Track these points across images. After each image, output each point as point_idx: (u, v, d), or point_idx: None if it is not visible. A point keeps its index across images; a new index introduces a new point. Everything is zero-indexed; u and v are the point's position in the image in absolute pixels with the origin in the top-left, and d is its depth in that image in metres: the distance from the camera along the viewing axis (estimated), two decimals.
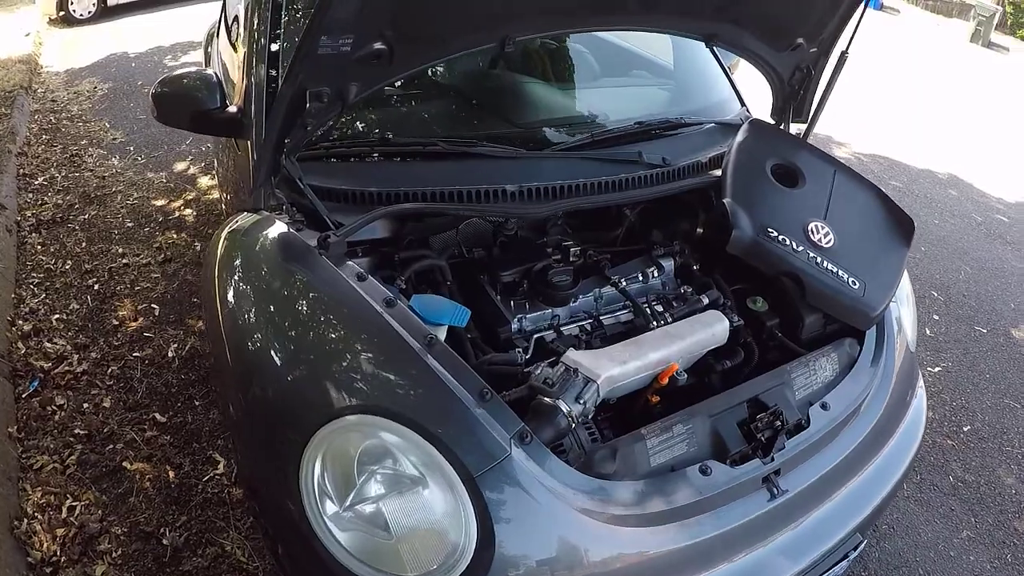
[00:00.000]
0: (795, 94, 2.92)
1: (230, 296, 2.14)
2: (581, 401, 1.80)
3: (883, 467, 2.29)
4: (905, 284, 2.79)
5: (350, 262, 2.04)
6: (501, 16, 2.13)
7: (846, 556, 2.11)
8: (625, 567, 1.74)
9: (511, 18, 2.15)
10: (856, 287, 2.33)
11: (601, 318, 2.34)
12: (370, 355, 1.83)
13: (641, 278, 2.47)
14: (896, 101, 10.08)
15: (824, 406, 2.16)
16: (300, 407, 1.78)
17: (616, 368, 1.91)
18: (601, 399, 1.89)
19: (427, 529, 1.64)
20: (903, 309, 2.67)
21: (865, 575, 2.95)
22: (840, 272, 2.34)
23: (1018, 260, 5.97)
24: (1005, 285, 5.51)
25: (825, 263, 2.34)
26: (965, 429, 3.88)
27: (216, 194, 5.05)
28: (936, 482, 3.49)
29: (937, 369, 4.36)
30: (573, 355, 1.92)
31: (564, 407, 1.77)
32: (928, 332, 4.72)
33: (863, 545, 2.20)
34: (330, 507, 1.68)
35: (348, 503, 1.66)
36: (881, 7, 19.06)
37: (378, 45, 1.92)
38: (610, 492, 1.75)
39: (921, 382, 2.69)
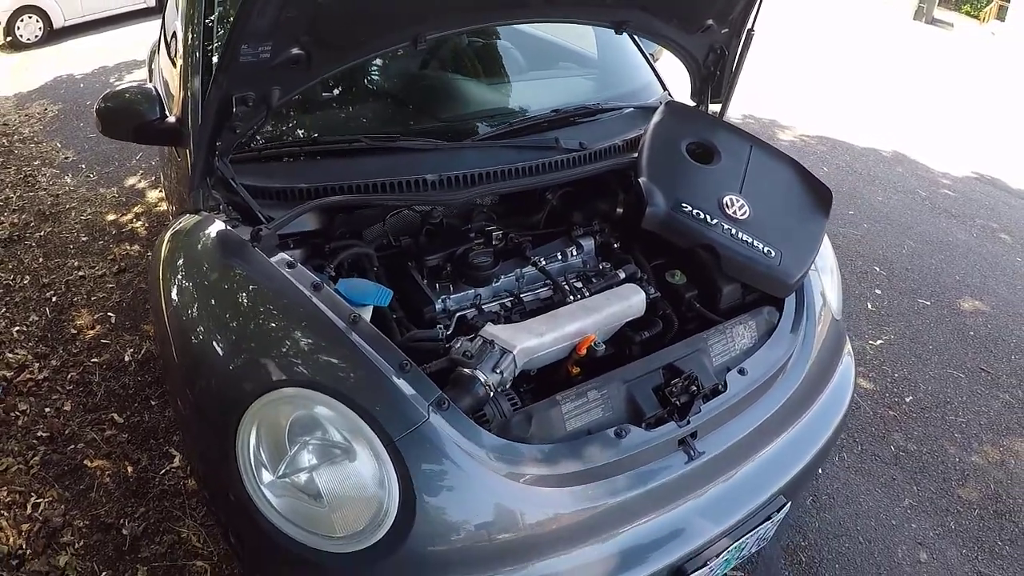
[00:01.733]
0: (712, 75, 2.99)
1: (174, 295, 2.22)
2: (498, 371, 1.91)
3: (806, 431, 2.37)
4: (829, 254, 2.86)
5: (281, 253, 2.14)
6: (412, 17, 2.22)
7: (769, 517, 2.18)
8: (542, 525, 1.84)
9: (421, 18, 2.24)
10: (772, 256, 2.41)
11: (522, 296, 2.43)
12: (300, 336, 1.93)
13: (561, 257, 2.57)
14: (840, 81, 10.19)
15: (742, 371, 2.23)
16: (237, 388, 1.87)
17: (533, 340, 2.02)
18: (519, 369, 2.00)
19: (355, 495, 1.74)
20: (825, 278, 2.72)
21: (804, 544, 3.00)
22: (755, 242, 2.42)
23: (963, 232, 6.05)
24: (950, 258, 5.58)
25: (740, 234, 2.42)
26: (907, 400, 3.94)
27: (164, 206, 5.10)
28: (877, 452, 3.53)
29: (879, 342, 4.43)
30: (491, 328, 2.03)
31: (482, 376, 1.88)
32: (870, 306, 4.80)
33: (787, 507, 2.25)
34: (266, 476, 1.78)
35: (281, 471, 1.75)
36: None
37: (296, 51, 2.02)
38: (524, 453, 1.85)
39: (849, 349, 2.76)
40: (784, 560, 2.93)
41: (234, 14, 1.86)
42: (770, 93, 8.91)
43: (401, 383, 1.81)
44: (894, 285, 5.11)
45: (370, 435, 1.73)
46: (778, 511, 2.20)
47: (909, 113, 9.16)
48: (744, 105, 8.27)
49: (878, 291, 5.01)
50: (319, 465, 1.76)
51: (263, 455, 1.79)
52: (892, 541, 3.09)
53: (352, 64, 2.28)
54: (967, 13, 17.84)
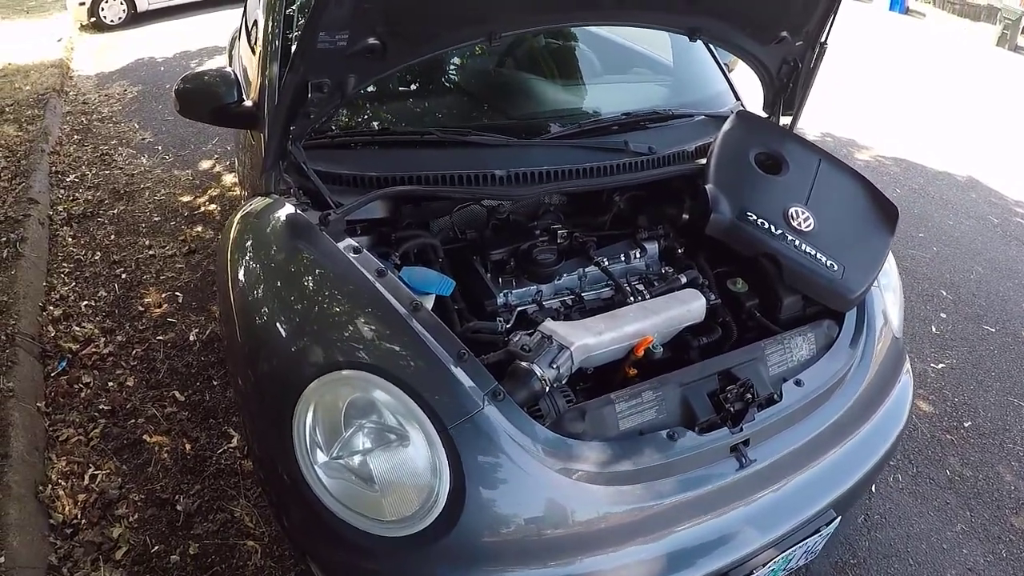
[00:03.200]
0: (784, 87, 2.96)
1: (241, 275, 2.28)
2: (555, 366, 1.92)
3: (860, 447, 2.33)
4: (892, 272, 2.82)
5: (348, 238, 2.18)
6: (487, 13, 2.26)
7: (818, 531, 2.16)
8: (589, 522, 1.84)
9: (496, 15, 2.27)
10: (835, 269, 2.38)
11: (583, 295, 2.45)
12: (362, 320, 1.97)
13: (624, 259, 2.58)
14: (920, 105, 9.99)
15: (798, 382, 2.21)
16: (297, 369, 1.91)
17: (591, 338, 2.03)
18: (576, 367, 2.00)
19: (406, 480, 1.77)
20: (888, 295, 2.69)
21: (854, 562, 2.96)
22: (818, 255, 2.40)
23: None
24: (1019, 285, 5.43)
25: (803, 246, 2.40)
26: (966, 425, 3.86)
27: (238, 191, 5.21)
28: (932, 475, 3.47)
29: (941, 366, 4.34)
30: (550, 324, 2.04)
31: (538, 371, 1.89)
32: (934, 330, 4.71)
33: (837, 522, 2.22)
34: (320, 456, 1.81)
35: (335, 452, 1.79)
36: (906, 11, 18.88)
37: (372, 41, 2.06)
38: (576, 449, 1.85)
39: (908, 368, 2.71)
40: None
41: (314, 2, 1.90)
42: (850, 114, 8.79)
43: (458, 372, 1.83)
44: (960, 310, 5.00)
45: (424, 421, 1.76)
46: (827, 525, 2.18)
47: (986, 139, 8.93)
48: (824, 123, 8.17)
49: (943, 315, 4.91)
50: (373, 449, 1.80)
51: (318, 435, 1.82)
52: (942, 565, 3.03)
53: (426, 57, 2.32)
54: None
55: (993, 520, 3.29)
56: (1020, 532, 3.25)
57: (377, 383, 1.81)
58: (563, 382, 1.99)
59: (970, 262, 5.69)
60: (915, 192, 6.90)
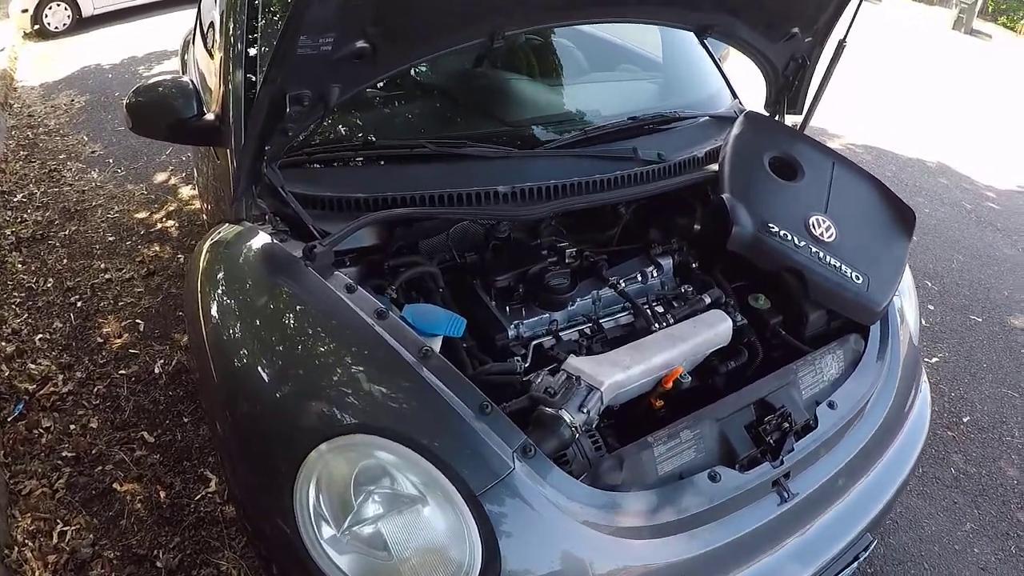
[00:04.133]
0: (789, 85, 2.88)
1: (214, 311, 2.07)
2: (585, 410, 1.74)
3: (892, 463, 2.27)
4: (906, 276, 2.73)
5: (338, 272, 1.97)
6: (490, 10, 2.07)
7: (857, 558, 2.09)
8: None
9: (500, 12, 2.09)
10: (860, 282, 2.28)
11: (601, 321, 2.29)
12: (362, 370, 1.76)
13: (640, 278, 2.43)
14: (881, 90, 10.11)
15: (831, 405, 2.11)
16: (291, 427, 1.71)
17: (620, 374, 1.86)
18: (605, 406, 1.84)
19: (429, 548, 1.58)
20: (905, 301, 2.62)
21: (871, 571, 2.92)
22: (843, 267, 2.28)
23: (1009, 247, 5.96)
24: (998, 273, 5.49)
25: (828, 258, 2.29)
26: (965, 420, 3.87)
27: (198, 204, 5.01)
28: (938, 475, 3.47)
29: (935, 360, 4.34)
30: (575, 362, 1.87)
31: (567, 417, 1.71)
32: (924, 323, 4.68)
33: (873, 545, 2.17)
34: (327, 531, 1.62)
35: (346, 526, 1.59)
36: None
37: (361, 44, 1.84)
38: (618, 504, 1.70)
39: (924, 375, 2.65)
40: None
41: (288, 2, 1.67)
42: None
43: (481, 427, 1.64)
44: (946, 301, 5.02)
45: (448, 488, 1.57)
46: (865, 550, 2.13)
47: (951, 123, 9.10)
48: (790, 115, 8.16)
49: (931, 307, 4.92)
50: (386, 514, 1.60)
51: (324, 509, 1.63)
52: (956, 567, 3.02)
53: (422, 60, 2.14)
54: (1004, 25, 17.71)
55: (1000, 516, 3.30)
56: None
57: (388, 447, 1.62)
58: (593, 426, 1.82)
59: (950, 251, 5.74)
60: (889, 180, 6.87)
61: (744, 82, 3.22)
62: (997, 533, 3.20)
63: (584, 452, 1.79)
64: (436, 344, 1.85)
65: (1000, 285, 5.31)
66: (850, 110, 8.79)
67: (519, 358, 2.06)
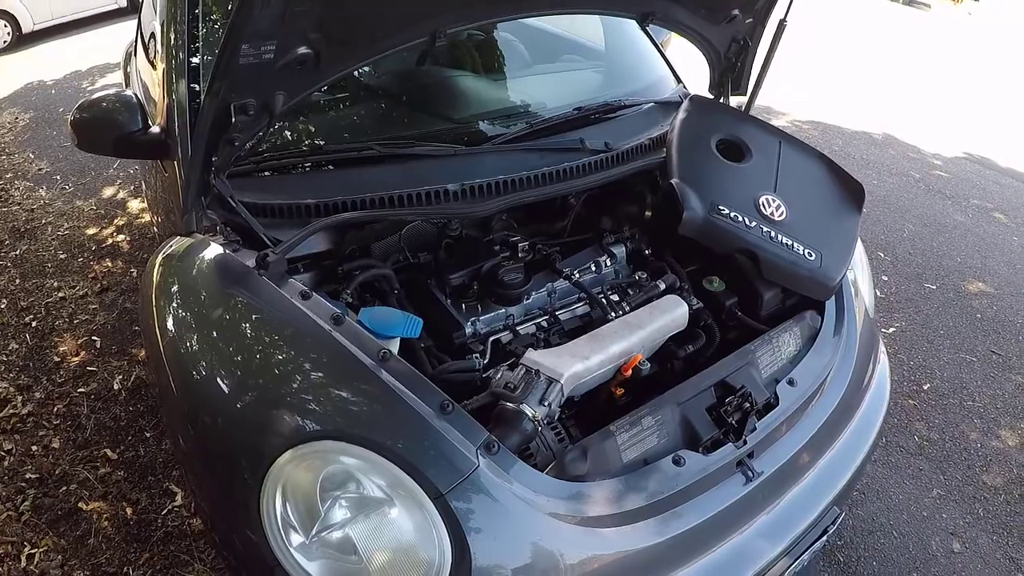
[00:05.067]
0: (732, 67, 2.90)
1: (170, 324, 2.03)
2: (546, 403, 1.75)
3: (854, 436, 2.30)
4: (859, 249, 2.75)
5: (292, 280, 1.96)
6: (430, 10, 2.07)
7: (825, 531, 2.10)
8: (605, 568, 1.71)
9: (441, 11, 2.09)
10: (812, 258, 2.30)
11: (557, 313, 2.29)
12: (322, 376, 1.76)
13: (594, 268, 2.43)
14: (824, 65, 10.24)
15: (791, 382, 2.13)
16: (253, 437, 1.69)
17: (579, 365, 1.87)
18: (566, 398, 1.85)
19: (398, 549, 1.58)
20: (859, 275, 2.65)
21: (840, 543, 2.96)
22: (795, 244, 2.31)
23: (959, 213, 6.06)
24: (949, 240, 5.58)
25: (779, 236, 2.30)
26: (925, 387, 3.93)
27: (148, 217, 4.94)
28: (902, 443, 3.52)
29: (892, 330, 4.40)
30: (533, 355, 1.87)
31: (529, 411, 1.72)
32: (879, 293, 4.75)
33: (841, 518, 2.18)
34: (296, 538, 1.61)
35: (314, 533, 1.59)
36: None
37: (303, 50, 1.82)
38: (584, 494, 1.71)
39: (882, 346, 2.69)
40: (823, 561, 2.91)
41: (228, 10, 1.65)
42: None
43: (443, 426, 1.64)
44: (899, 270, 5.10)
45: (413, 488, 1.57)
46: (833, 523, 2.13)
47: (894, 94, 9.22)
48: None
49: (885, 277, 4.99)
50: (353, 519, 1.60)
51: (292, 517, 1.62)
52: (925, 533, 3.08)
53: (363, 64, 2.13)
54: None
55: (966, 480, 3.36)
56: (992, 489, 3.34)
57: (352, 451, 1.61)
58: (554, 418, 1.84)
59: (900, 220, 5.82)
60: (836, 155, 6.98)
61: (687, 66, 3.24)
62: (964, 497, 3.25)
63: (548, 444, 1.80)
64: (394, 346, 1.85)
65: (952, 251, 5.40)
66: (794, 86, 8.89)
67: (477, 355, 2.06)
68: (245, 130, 1.93)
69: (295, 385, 1.75)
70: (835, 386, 2.28)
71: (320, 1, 1.75)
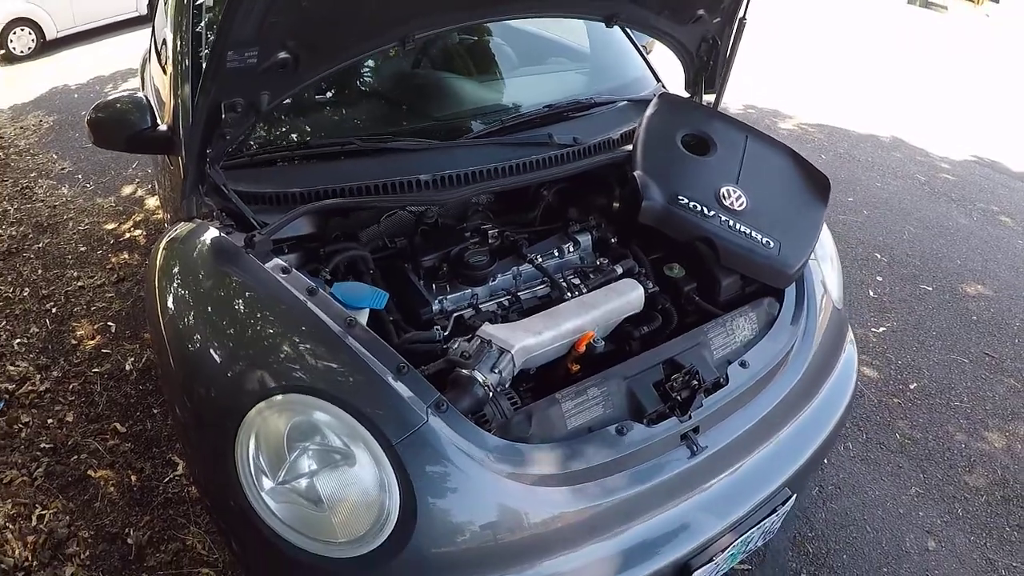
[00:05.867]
0: (705, 66, 2.97)
1: (170, 303, 2.21)
2: (497, 371, 1.90)
3: (810, 423, 2.36)
4: (828, 242, 2.84)
5: (276, 259, 2.13)
6: (398, 17, 2.21)
7: (774, 511, 2.17)
8: (545, 525, 1.83)
9: (407, 18, 2.22)
10: (771, 247, 2.39)
11: (520, 295, 2.42)
12: (296, 341, 1.92)
13: (558, 254, 2.56)
14: (838, 67, 10.14)
15: (743, 364, 2.22)
16: (235, 396, 1.86)
17: (531, 338, 2.01)
18: (518, 369, 1.99)
19: (356, 500, 1.74)
20: (825, 266, 2.71)
21: (812, 535, 2.99)
22: (753, 233, 2.40)
23: (963, 216, 6.00)
24: (951, 242, 5.53)
25: (738, 225, 2.41)
26: (911, 387, 3.92)
27: (161, 214, 5.13)
28: (883, 440, 3.52)
29: (882, 329, 4.40)
30: (488, 328, 2.02)
31: (480, 377, 1.87)
32: (871, 293, 4.77)
33: (793, 500, 2.23)
34: (266, 483, 1.77)
35: (281, 478, 1.75)
36: None
37: (282, 55, 2.00)
38: (525, 453, 1.83)
39: (851, 337, 2.74)
40: (792, 551, 2.92)
41: (219, 22, 1.84)
42: (770, 82, 8.90)
43: (399, 386, 1.80)
44: (895, 271, 5.07)
45: (369, 439, 1.73)
46: (783, 504, 2.19)
47: (907, 98, 9.10)
48: (745, 95, 8.25)
49: (879, 278, 4.98)
50: (319, 471, 1.75)
51: (263, 462, 1.78)
52: (900, 529, 3.07)
53: (341, 66, 2.26)
54: None
55: (946, 480, 3.35)
56: (974, 490, 3.31)
57: (317, 405, 1.77)
58: (506, 386, 1.97)
59: (901, 222, 5.79)
60: (841, 157, 6.99)
61: (672, 68, 3.30)
62: (943, 496, 3.25)
63: (503, 411, 1.92)
64: (363, 317, 2.02)
65: (952, 254, 5.35)
66: (803, 89, 8.85)
67: (439, 327, 2.22)
68: (235, 125, 2.11)
69: (274, 350, 1.92)
70: (790, 371, 2.35)
71: (294, 12, 1.92)
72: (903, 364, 4.11)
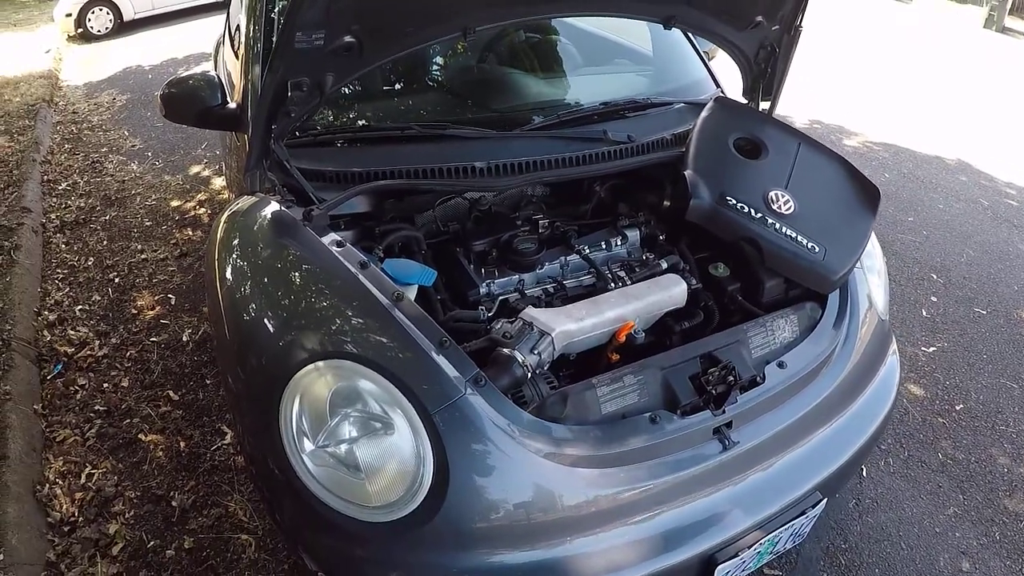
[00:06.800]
0: (763, 73, 2.97)
1: (228, 273, 2.30)
2: (536, 352, 1.95)
3: (846, 429, 2.36)
4: (877, 255, 2.84)
5: (332, 233, 2.22)
6: (460, 8, 2.28)
7: (803, 512, 2.17)
8: (573, 504, 1.87)
9: (470, 10, 2.29)
10: (816, 252, 2.40)
11: (565, 283, 2.47)
12: (346, 311, 2.00)
13: (605, 247, 2.61)
14: (909, 89, 9.96)
15: (781, 364, 2.23)
16: (284, 361, 1.94)
17: (571, 323, 2.06)
18: (558, 353, 2.03)
19: (392, 469, 1.80)
20: (872, 277, 2.70)
21: (845, 547, 2.97)
22: (799, 237, 2.41)
23: None
24: (1009, 268, 5.42)
25: (784, 229, 2.42)
26: (958, 408, 3.85)
27: (226, 194, 5.24)
28: (924, 459, 3.47)
29: (932, 349, 4.34)
30: (531, 311, 2.08)
31: (520, 357, 1.92)
32: (925, 313, 4.71)
33: (823, 504, 2.24)
34: (307, 444, 1.84)
35: (321, 441, 1.82)
36: None
37: (348, 39, 2.08)
38: (558, 433, 1.88)
39: (895, 348, 2.73)
40: (824, 561, 2.91)
41: (289, 3, 1.93)
42: (839, 100, 8.81)
43: (440, 359, 1.87)
44: (950, 293, 4.99)
45: (407, 408, 1.79)
46: (813, 507, 2.20)
47: (976, 122, 8.91)
48: (813, 110, 8.19)
49: (934, 298, 4.90)
50: (359, 437, 1.82)
51: (305, 424, 1.85)
52: (935, 549, 3.03)
53: (403, 53, 2.32)
54: None
55: (986, 503, 3.28)
56: (1013, 514, 3.24)
57: (361, 372, 1.84)
58: (545, 368, 2.02)
59: (961, 245, 5.68)
60: (904, 176, 6.89)
61: (733, 75, 3.28)
62: (981, 519, 3.19)
63: (541, 393, 1.97)
64: (412, 292, 2.09)
65: (1011, 279, 5.25)
66: (871, 107, 8.72)
67: (483, 308, 2.29)
68: (300, 104, 2.18)
69: (324, 318, 2.00)
70: (829, 376, 2.35)
71: None
72: (951, 385, 4.04)
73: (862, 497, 3.21)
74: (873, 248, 2.79)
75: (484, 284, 2.38)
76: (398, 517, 1.78)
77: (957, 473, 3.42)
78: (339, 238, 2.19)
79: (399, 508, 1.78)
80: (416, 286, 2.14)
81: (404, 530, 1.78)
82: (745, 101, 3.10)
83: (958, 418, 3.79)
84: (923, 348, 4.34)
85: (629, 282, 2.42)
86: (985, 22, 15.86)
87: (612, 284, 2.41)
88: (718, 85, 3.36)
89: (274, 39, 2.76)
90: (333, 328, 1.96)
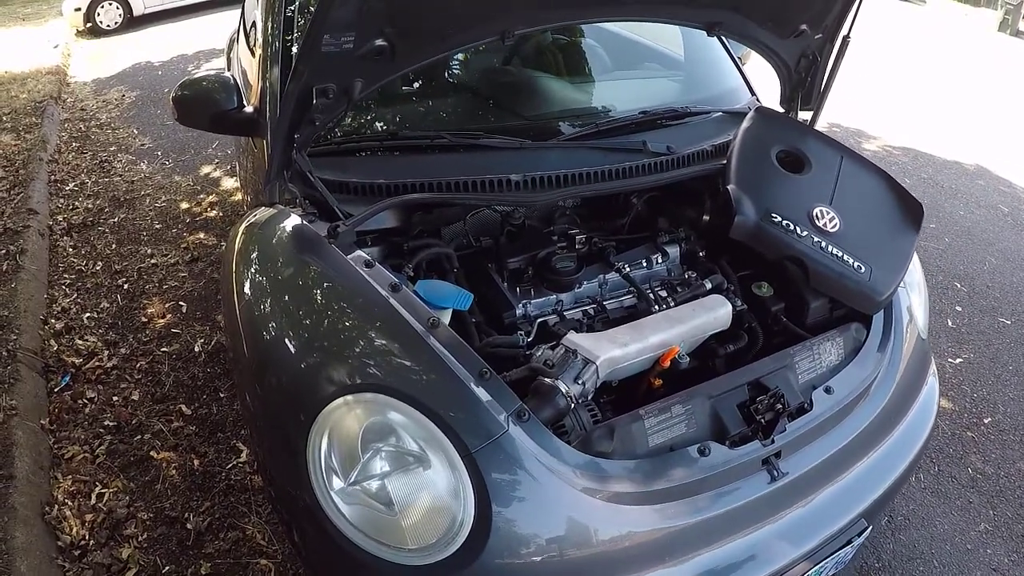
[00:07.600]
0: (803, 82, 2.90)
1: (247, 288, 2.21)
2: (580, 382, 1.84)
3: (890, 454, 2.29)
4: (916, 270, 2.77)
5: (359, 251, 2.11)
6: (499, 11, 2.17)
7: (850, 542, 2.11)
8: (619, 543, 1.78)
9: (508, 12, 2.19)
10: (862, 271, 2.32)
11: (605, 303, 2.37)
12: (376, 338, 1.89)
13: (645, 264, 2.51)
14: (925, 93, 9.95)
15: (828, 390, 2.16)
16: (309, 388, 1.84)
17: (616, 350, 1.95)
18: (601, 381, 1.93)
19: (428, 505, 1.70)
20: (913, 295, 2.64)
21: (878, 565, 2.93)
22: (845, 256, 2.33)
23: None
24: None
25: (830, 247, 2.34)
26: (986, 421, 3.82)
27: (239, 195, 5.18)
28: (954, 474, 3.44)
29: (958, 360, 4.30)
30: (573, 337, 1.96)
31: (563, 387, 1.81)
32: (950, 323, 4.66)
33: (868, 532, 2.18)
34: (336, 482, 1.74)
35: (353, 479, 1.71)
36: None
37: (379, 42, 1.97)
38: (605, 469, 1.79)
39: (934, 369, 2.67)
40: None
41: (316, 3, 1.82)
42: (857, 103, 8.74)
43: (480, 392, 1.76)
44: (975, 302, 4.95)
45: (446, 445, 1.69)
46: (859, 535, 2.13)
47: (993, 126, 8.88)
48: (831, 114, 8.08)
49: (958, 308, 4.86)
50: (391, 472, 1.72)
51: (334, 461, 1.75)
52: (967, 565, 2.99)
53: (437, 57, 2.23)
54: None
55: (1017, 518, 3.25)
56: None
57: (395, 406, 1.74)
58: (588, 397, 1.92)
59: (983, 253, 5.64)
60: (925, 182, 6.84)
61: (765, 81, 3.25)
62: (1012, 535, 3.16)
63: (583, 424, 1.88)
64: (446, 317, 1.99)
65: None
66: (890, 111, 8.69)
67: (523, 332, 2.18)
68: (325, 112, 2.08)
69: (352, 345, 1.89)
70: (874, 400, 2.29)
71: None
72: (979, 397, 4.01)
73: (895, 514, 3.17)
74: (913, 264, 2.71)
75: (520, 305, 2.28)
76: (436, 560, 1.68)
77: (987, 488, 3.39)
78: (367, 257, 2.08)
79: (437, 551, 1.68)
80: (450, 310, 2.03)
81: (443, 575, 1.68)
82: (783, 110, 3.02)
83: (987, 432, 3.75)
84: (950, 360, 4.30)
85: (672, 303, 2.33)
86: (1000, 25, 15.87)
87: (655, 306, 2.32)
88: (753, 92, 3.29)
89: (292, 37, 2.67)
90: (362, 356, 1.86)
